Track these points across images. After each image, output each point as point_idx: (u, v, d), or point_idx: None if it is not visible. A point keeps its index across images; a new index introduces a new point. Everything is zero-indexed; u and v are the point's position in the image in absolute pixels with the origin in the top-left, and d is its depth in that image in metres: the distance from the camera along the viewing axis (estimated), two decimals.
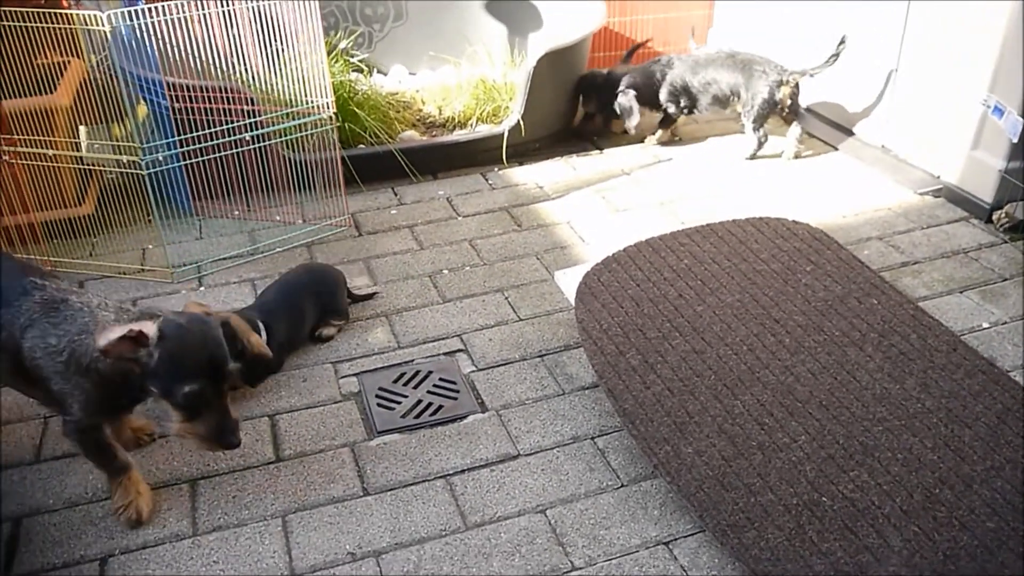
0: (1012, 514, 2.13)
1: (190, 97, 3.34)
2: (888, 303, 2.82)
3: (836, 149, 4.23)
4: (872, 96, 4.14)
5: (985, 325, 2.93)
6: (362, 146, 3.97)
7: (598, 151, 4.28)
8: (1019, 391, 2.50)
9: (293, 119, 3.41)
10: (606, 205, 3.76)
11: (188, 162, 3.30)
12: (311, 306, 2.90)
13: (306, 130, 3.43)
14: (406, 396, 2.68)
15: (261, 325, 2.69)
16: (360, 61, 4.56)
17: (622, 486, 2.34)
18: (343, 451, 2.48)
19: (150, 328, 1.95)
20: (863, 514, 2.13)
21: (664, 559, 2.13)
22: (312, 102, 3.41)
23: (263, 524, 2.24)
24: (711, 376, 2.52)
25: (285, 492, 2.34)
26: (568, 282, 3.06)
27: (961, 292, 3.11)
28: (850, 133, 4.28)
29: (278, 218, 3.65)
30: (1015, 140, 3.32)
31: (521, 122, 4.00)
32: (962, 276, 3.20)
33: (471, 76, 4.45)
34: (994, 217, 3.51)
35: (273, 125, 3.39)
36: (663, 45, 5.44)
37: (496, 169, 4.09)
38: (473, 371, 2.79)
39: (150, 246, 3.47)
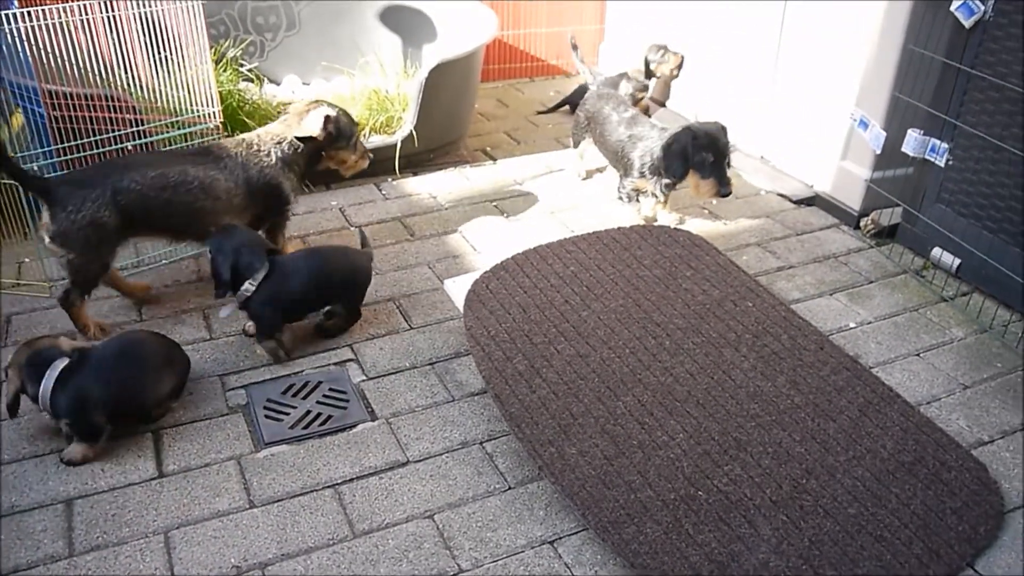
0: (871, 500, 2.27)
1: (71, 105, 3.25)
2: (762, 305, 2.96)
3: None
4: (752, 111, 4.34)
5: (852, 325, 3.11)
6: None
7: (492, 161, 4.34)
8: (879, 386, 2.67)
9: (179, 128, 3.35)
10: (498, 214, 3.82)
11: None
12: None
13: (193, 139, 3.38)
14: (295, 407, 2.67)
15: None
16: (251, 70, 4.51)
17: (509, 488, 2.39)
18: (229, 464, 2.45)
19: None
20: (736, 506, 2.24)
21: (549, 558, 2.19)
22: (199, 111, 3.36)
23: (144, 541, 2.20)
24: (595, 379, 2.60)
25: (168, 508, 2.30)
26: (458, 290, 3.10)
27: (831, 294, 3.29)
28: (732, 146, 4.47)
29: None
30: (878, 151, 3.54)
31: (414, 133, 4.03)
32: (832, 279, 3.38)
33: (365, 87, 4.45)
34: (861, 224, 3.72)
35: (158, 134, 3.33)
36: (556, 58, 5.57)
37: (389, 179, 4.10)
38: (363, 380, 2.79)
39: (27, 260, 3.34)
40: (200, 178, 2.91)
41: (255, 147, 3.06)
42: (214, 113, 3.37)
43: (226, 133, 3.54)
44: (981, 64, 3.14)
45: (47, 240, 2.76)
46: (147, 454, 2.46)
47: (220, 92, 3.72)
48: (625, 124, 3.72)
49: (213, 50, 4.17)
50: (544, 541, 2.23)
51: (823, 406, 2.57)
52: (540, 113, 5.01)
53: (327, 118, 3.10)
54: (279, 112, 4.24)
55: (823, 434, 2.47)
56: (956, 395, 2.77)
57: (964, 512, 2.26)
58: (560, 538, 2.24)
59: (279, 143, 3.08)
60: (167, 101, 3.35)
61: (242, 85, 4.33)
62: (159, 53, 3.29)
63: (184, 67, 3.29)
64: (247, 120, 3.92)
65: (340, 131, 3.16)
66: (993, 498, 2.32)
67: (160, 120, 3.33)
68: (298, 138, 3.09)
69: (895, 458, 2.41)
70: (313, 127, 3.09)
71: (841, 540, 2.16)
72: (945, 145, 3.29)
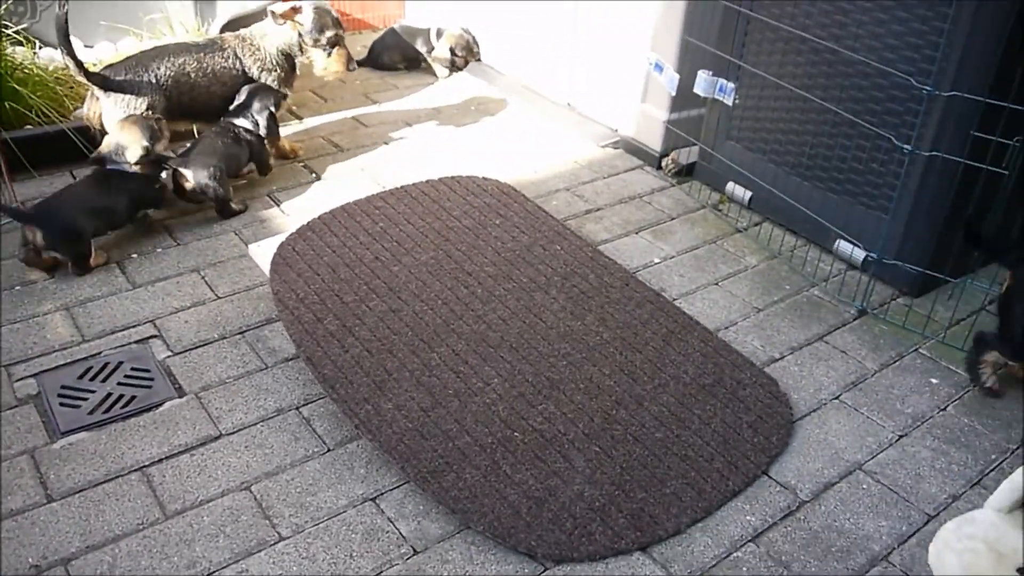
0: (676, 423, 2.41)
1: None
2: (570, 248, 3.05)
3: (529, 109, 4.46)
4: (557, 60, 4.40)
5: (656, 260, 3.25)
6: (29, 127, 3.59)
7: (298, 120, 4.20)
8: (681, 315, 2.82)
9: None
10: (307, 174, 3.71)
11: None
12: None
13: None
14: (94, 391, 2.51)
15: None
16: (20, 32, 4.11)
17: (328, 451, 2.36)
18: (21, 459, 2.28)
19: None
20: (551, 443, 2.31)
21: (371, 514, 2.18)
22: None
23: None
24: (408, 333, 2.60)
25: None
26: (263, 255, 2.99)
27: (637, 233, 3.42)
28: (540, 95, 4.54)
29: None
30: (673, 93, 3.69)
31: None
32: (638, 219, 3.52)
33: (155, 47, 4.16)
34: (663, 164, 3.89)
35: None
36: (361, 12, 5.43)
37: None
38: (169, 356, 2.66)
39: None
40: (211, 65, 3.40)
41: (249, 41, 3.50)
42: None
43: None
44: (758, 6, 3.31)
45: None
46: None
47: None
48: None
49: None
50: (366, 499, 2.22)
51: (630, 339, 2.68)
52: None
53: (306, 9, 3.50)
54: (57, 78, 3.91)
55: (631, 366, 2.58)
56: (751, 318, 2.97)
57: (758, 425, 2.44)
58: (382, 494, 2.24)
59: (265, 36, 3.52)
60: None
61: (13, 50, 3.94)
62: None
63: None
64: (18, 87, 3.58)
65: (311, 21, 3.48)
66: (784, 409, 2.52)
67: None
68: (274, 13, 3.44)
69: (696, 382, 2.56)
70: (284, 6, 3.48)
71: (650, 463, 2.28)
72: (732, 85, 3.47)
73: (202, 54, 3.40)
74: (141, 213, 3.19)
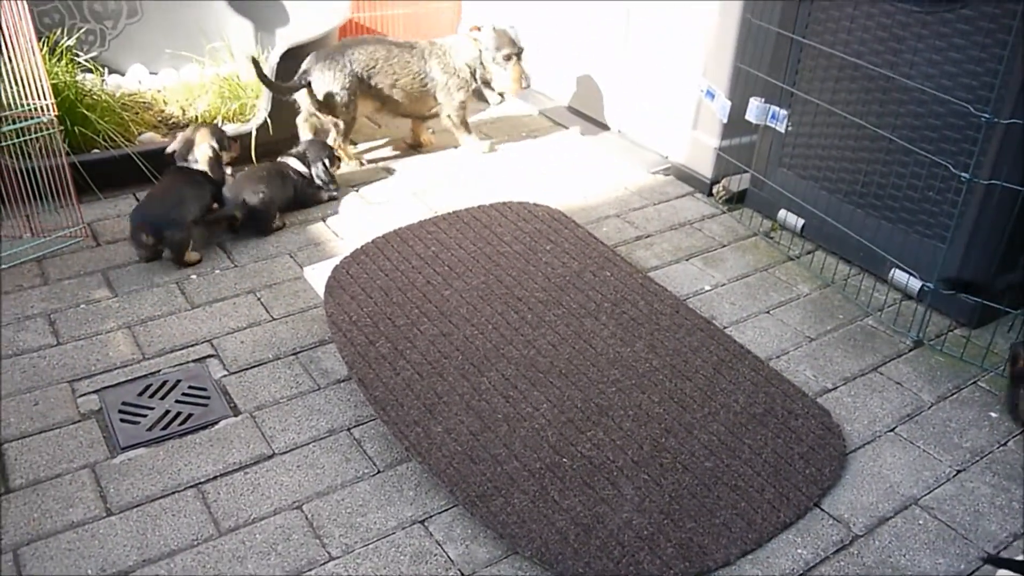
0: (726, 453, 2.39)
1: None
2: (620, 274, 3.05)
3: (579, 135, 4.49)
4: (608, 87, 4.43)
5: (707, 288, 3.23)
6: (96, 151, 3.73)
7: (352, 145, 4.27)
8: (732, 344, 2.80)
9: (8, 124, 3.15)
10: (360, 199, 3.77)
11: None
12: None
13: (25, 135, 3.18)
14: (152, 408, 2.57)
15: None
16: (90, 60, 4.27)
17: (378, 472, 2.39)
18: (83, 473, 2.35)
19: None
20: (599, 469, 2.30)
21: (420, 536, 2.20)
22: (29, 105, 3.16)
23: None
24: (459, 356, 2.62)
25: (16, 524, 2.18)
26: (318, 277, 3.05)
27: (687, 260, 3.41)
28: (591, 121, 4.57)
29: (2, 232, 3.36)
30: (725, 120, 3.68)
31: (268, 120, 3.92)
32: (688, 245, 3.51)
33: (217, 74, 4.29)
34: (714, 191, 3.87)
35: None
36: (414, 39, 5.52)
37: (246, 169, 3.97)
38: (225, 375, 2.72)
39: None
40: (400, 57, 3.88)
41: (439, 47, 3.96)
42: (47, 106, 3.18)
43: (62, 128, 3.35)
44: (811, 33, 3.30)
45: (316, 107, 3.81)
46: None
47: (55, 84, 3.52)
48: None
49: (44, 40, 3.94)
50: (415, 521, 2.24)
51: (680, 367, 2.67)
52: None
53: (482, 27, 3.94)
54: (123, 104, 4.06)
55: (680, 394, 2.57)
56: (803, 347, 2.93)
57: (810, 456, 2.41)
58: (431, 516, 2.26)
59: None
60: None
61: (82, 77, 4.10)
62: None
63: (11, 59, 3.09)
64: (87, 113, 3.72)
65: (491, 39, 3.89)
66: (836, 441, 2.48)
67: None
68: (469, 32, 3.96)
69: (747, 411, 2.54)
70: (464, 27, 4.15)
71: (699, 493, 2.26)
72: (784, 112, 3.45)
73: (393, 46, 3.89)
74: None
